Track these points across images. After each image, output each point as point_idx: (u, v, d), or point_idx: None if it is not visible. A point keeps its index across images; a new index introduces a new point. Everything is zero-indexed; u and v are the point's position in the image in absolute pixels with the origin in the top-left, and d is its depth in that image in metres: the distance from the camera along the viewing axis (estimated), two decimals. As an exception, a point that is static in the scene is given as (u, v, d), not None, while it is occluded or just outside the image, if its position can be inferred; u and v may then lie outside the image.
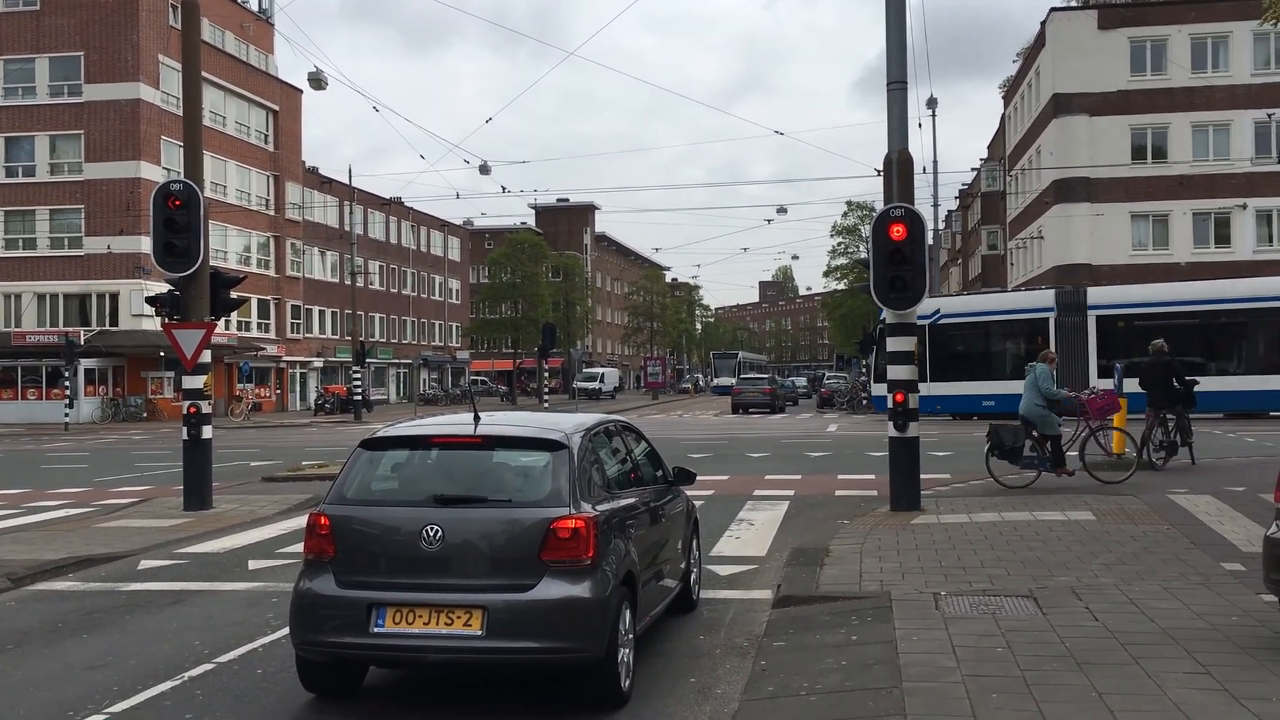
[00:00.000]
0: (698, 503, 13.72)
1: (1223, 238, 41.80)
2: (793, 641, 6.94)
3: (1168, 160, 41.99)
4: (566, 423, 6.58)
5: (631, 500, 6.73)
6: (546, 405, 41.16)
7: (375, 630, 5.60)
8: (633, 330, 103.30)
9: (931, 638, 6.57)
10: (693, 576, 8.21)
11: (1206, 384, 20.88)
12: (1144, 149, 42.40)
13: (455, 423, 6.50)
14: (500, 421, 6.76)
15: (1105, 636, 6.47)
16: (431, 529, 5.66)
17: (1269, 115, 39.80)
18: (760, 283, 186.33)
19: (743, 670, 6.52)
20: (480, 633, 5.49)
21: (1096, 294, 31.91)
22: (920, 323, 34.55)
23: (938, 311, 33.39)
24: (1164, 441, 15.75)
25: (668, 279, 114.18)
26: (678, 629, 7.66)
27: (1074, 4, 45.15)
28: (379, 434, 6.53)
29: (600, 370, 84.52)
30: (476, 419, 6.32)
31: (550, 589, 5.57)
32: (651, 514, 7.04)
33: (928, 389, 28.86)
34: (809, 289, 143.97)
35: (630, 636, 6.09)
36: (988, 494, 13.39)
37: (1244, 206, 41.32)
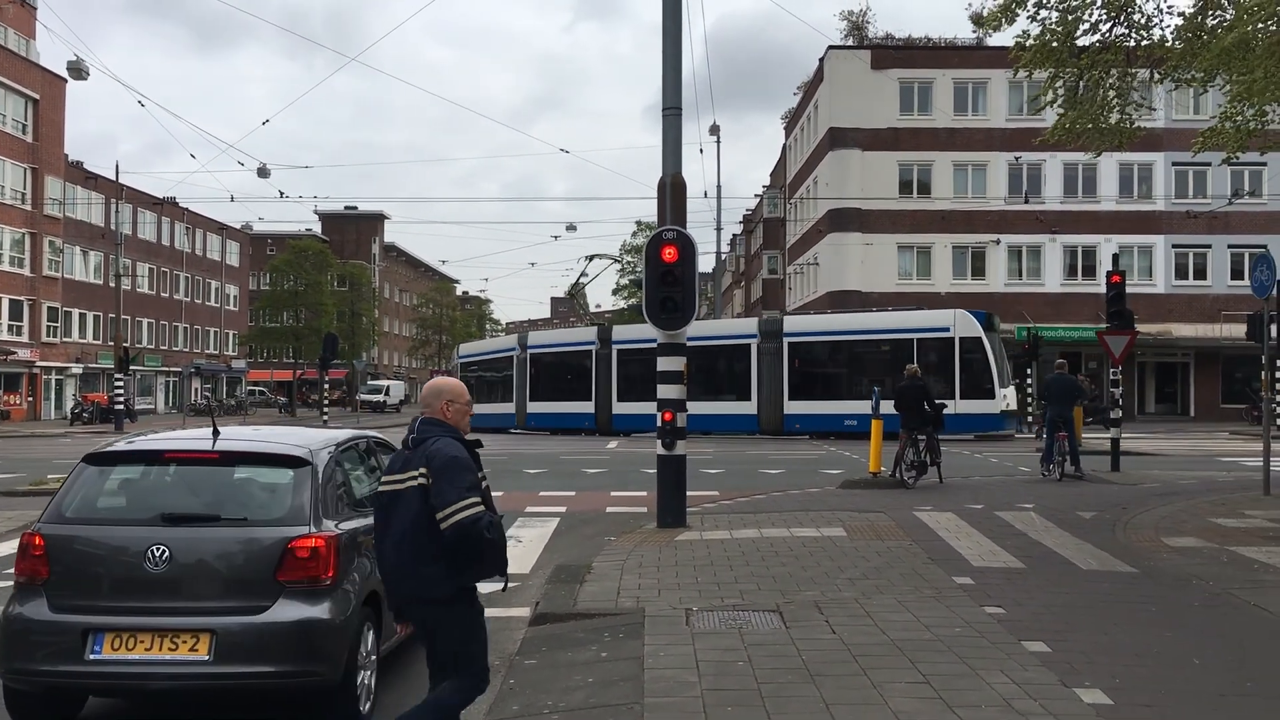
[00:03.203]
0: (467, 520, 13.67)
1: (978, 270, 44.74)
2: (544, 660, 6.95)
3: (931, 196, 44.66)
4: (314, 438, 6.39)
5: (381, 518, 6.58)
6: (326, 418, 39.94)
7: (92, 657, 5.27)
8: (421, 343, 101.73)
9: (678, 653, 6.71)
10: (449, 595, 8.09)
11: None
12: (910, 184, 44.95)
13: (192, 437, 6.21)
14: (242, 436, 6.50)
15: (840, 649, 6.77)
16: (158, 549, 5.38)
17: (1017, 158, 42.93)
18: (551, 298, 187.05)
19: (491, 690, 6.47)
20: (207, 657, 5.25)
21: (789, 323, 35.83)
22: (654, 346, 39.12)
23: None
24: (915, 461, 16.67)
25: (458, 292, 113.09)
26: (431, 649, 7.53)
27: (850, 43, 47.45)
28: (105, 448, 6.17)
29: (386, 383, 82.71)
30: (215, 433, 6.06)
31: (285, 611, 5.38)
32: (403, 532, 6.90)
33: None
34: (598, 306, 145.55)
35: (373, 659, 5.95)
36: (751, 511, 13.82)
37: (997, 242, 44.37)
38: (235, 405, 63.65)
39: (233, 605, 5.37)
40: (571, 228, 56.10)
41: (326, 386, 43.32)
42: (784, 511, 13.60)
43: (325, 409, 40.78)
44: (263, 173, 37.78)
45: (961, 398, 30.83)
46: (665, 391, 12.63)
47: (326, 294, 70.89)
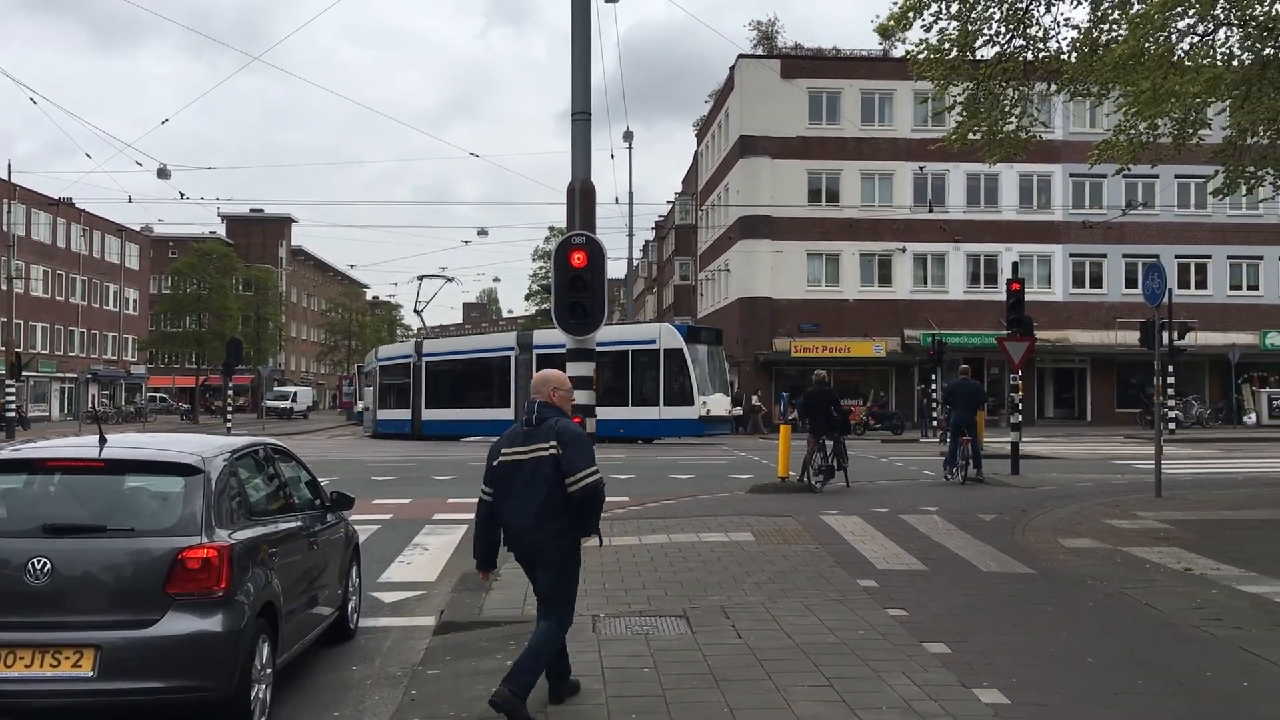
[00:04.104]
0: (374, 527, 13.46)
1: (885, 277, 45.52)
2: (448, 669, 6.85)
3: (840, 204, 45.31)
4: (208, 445, 6.20)
5: (279, 527, 6.43)
6: (230, 425, 39.03)
7: (-32, 676, 5.03)
8: (329, 348, 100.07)
9: (584, 660, 6.65)
10: (351, 605, 7.95)
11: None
12: (819, 192, 45.56)
13: (78, 445, 5.99)
14: (131, 444, 6.28)
15: (746, 653, 6.78)
16: (38, 562, 5.16)
17: (921, 168, 43.81)
18: (464, 304, 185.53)
19: (392, 701, 6.35)
20: (91, 674, 5.04)
21: (538, 336, 38.20)
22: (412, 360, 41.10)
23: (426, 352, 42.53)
24: (822, 465, 16.86)
25: (368, 296, 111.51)
26: (331, 660, 7.38)
27: (761, 53, 47.95)
28: None
29: (293, 389, 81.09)
30: (102, 441, 5.84)
31: (175, 624, 5.20)
32: (302, 541, 6.76)
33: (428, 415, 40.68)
34: (510, 311, 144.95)
35: (268, 672, 5.78)
36: (660, 516, 13.83)
37: (903, 250, 45.20)
38: (134, 412, 61.76)
39: (119, 619, 5.17)
40: (483, 232, 55.64)
41: (231, 393, 42.37)
42: (693, 517, 13.63)
43: (229, 416, 39.89)
44: (163, 174, 36.80)
45: (665, 404, 34.12)
46: (575, 396, 12.55)
47: (231, 298, 69.38)
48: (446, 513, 15.26)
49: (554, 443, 5.59)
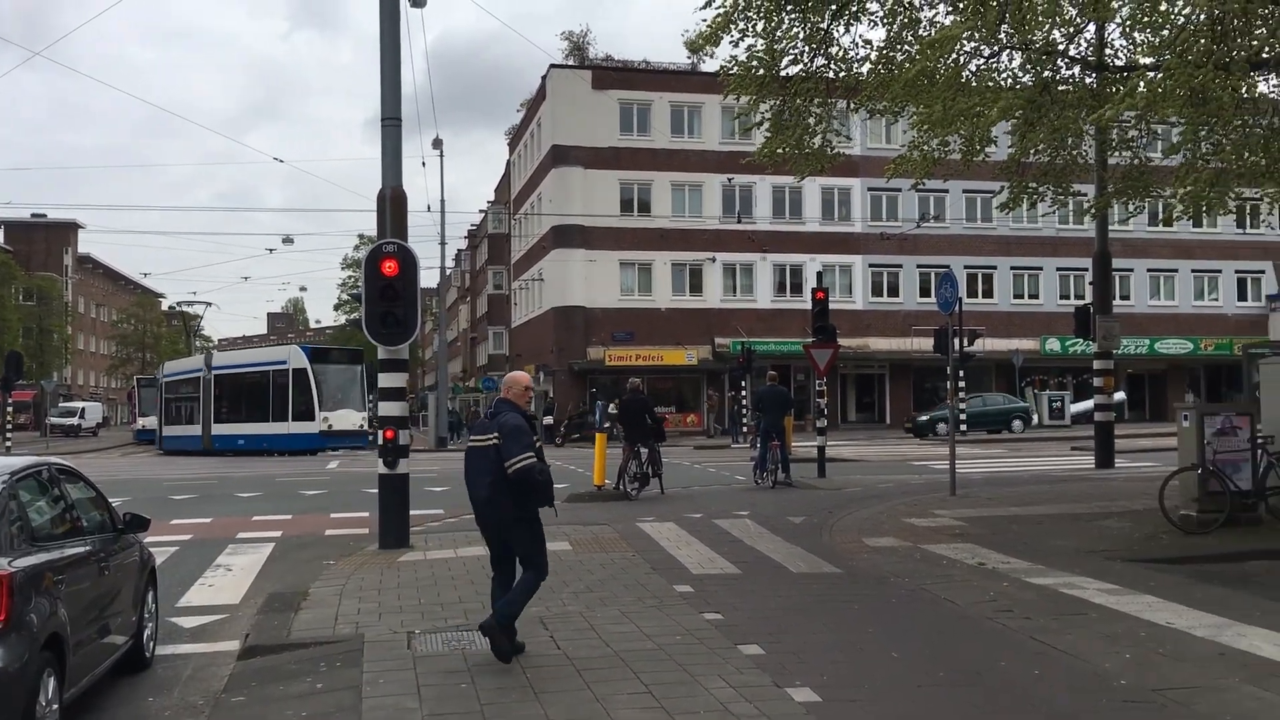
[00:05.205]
0: (172, 549, 12.78)
1: (696, 286, 46.38)
2: (254, 695, 6.55)
3: (651, 214, 45.93)
4: (-16, 467, 5.75)
5: (65, 553, 6.01)
6: (9, 445, 36.44)
7: None
8: (122, 361, 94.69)
9: (399, 679, 6.49)
10: (146, 632, 7.50)
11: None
12: (631, 202, 46.06)
13: None
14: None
15: (565, 664, 6.76)
16: None
17: (729, 180, 44.92)
18: (268, 314, 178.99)
19: (194, 732, 6.04)
20: None
21: (216, 358, 43.58)
22: (202, 375, 42.99)
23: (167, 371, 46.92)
24: (638, 473, 17.01)
25: (164, 306, 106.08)
26: (125, 692, 6.95)
27: (572, 63, 48.16)
28: None
29: (81, 404, 76.23)
30: None
31: (-51, 660, 4.78)
32: (92, 567, 6.35)
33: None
34: (319, 322, 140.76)
35: (54, 708, 5.39)
36: (475, 528, 13.59)
37: (713, 260, 46.18)
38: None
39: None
40: (288, 240, 53.98)
41: (10, 410, 39.59)
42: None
43: (9, 435, 37.26)
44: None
45: (292, 419, 37.43)
46: (387, 409, 12.31)
47: (10, 308, 65.02)
48: (251, 531, 14.65)
49: (496, 434, 6.78)
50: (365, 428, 37.21)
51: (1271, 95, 14.61)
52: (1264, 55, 12.31)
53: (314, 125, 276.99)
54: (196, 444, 40.91)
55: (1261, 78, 13.75)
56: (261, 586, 10.47)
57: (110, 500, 7.52)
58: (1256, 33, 11.87)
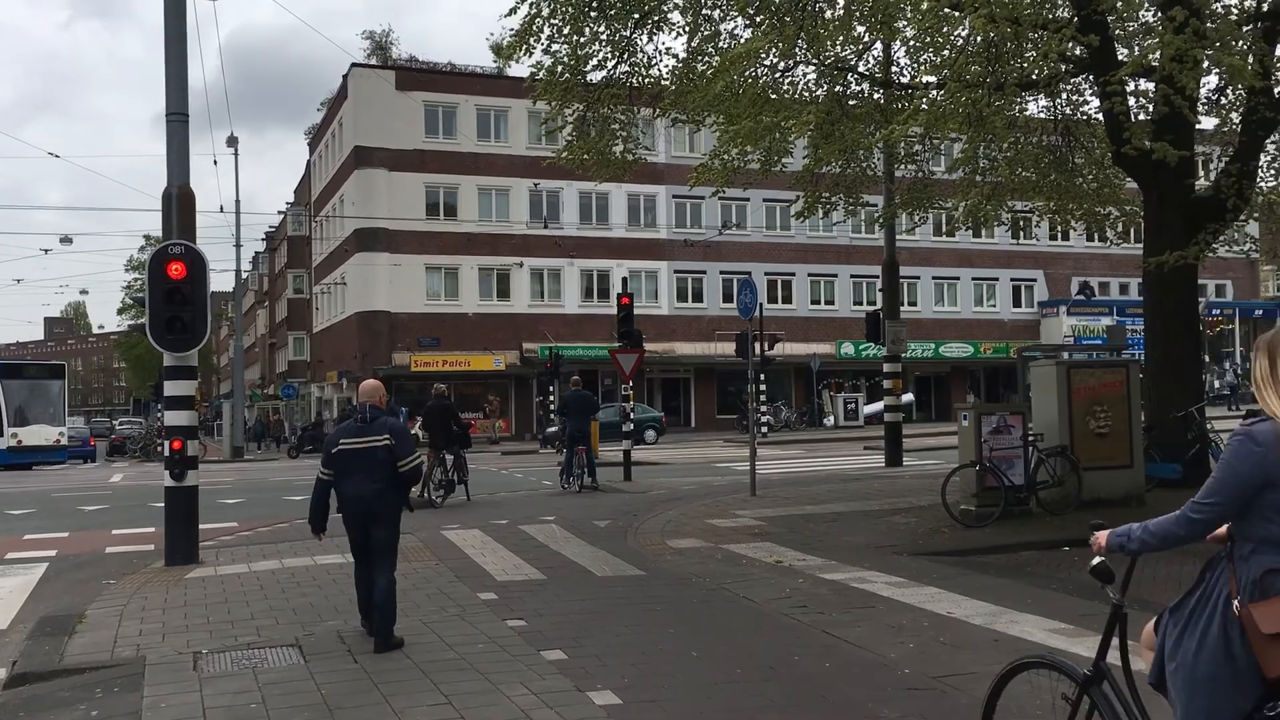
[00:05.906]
0: (-74, 574, 11.77)
1: (504, 291, 46.11)
2: (21, 728, 6.11)
3: (458, 218, 45.38)
4: None
5: None
6: None
7: None
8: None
9: (183, 702, 6.18)
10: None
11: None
12: (437, 206, 45.36)
13: None
14: None
15: (363, 678, 6.58)
16: None
17: (536, 185, 44.90)
18: (45, 319, 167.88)
19: (-50, 772, 5.58)
20: None
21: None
22: None
23: None
24: (443, 480, 16.77)
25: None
26: None
27: (375, 63, 47.11)
28: None
29: None
30: None
31: None
32: None
33: None
34: (101, 327, 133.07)
35: None
36: (272, 541, 13.16)
37: (521, 265, 46.03)
38: None
39: None
40: (67, 240, 50.55)
41: None
42: (307, 539, 12.91)
43: None
44: None
45: None
46: (174, 418, 11.72)
47: None
48: (21, 550, 13.69)
49: (387, 435, 7.49)
50: (62, 443, 39.15)
51: (1040, 115, 15.68)
52: (1034, 76, 13.19)
53: (97, 120, 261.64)
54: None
55: (1032, 98, 14.72)
56: (33, 610, 9.77)
57: None
58: (1027, 55, 12.70)
